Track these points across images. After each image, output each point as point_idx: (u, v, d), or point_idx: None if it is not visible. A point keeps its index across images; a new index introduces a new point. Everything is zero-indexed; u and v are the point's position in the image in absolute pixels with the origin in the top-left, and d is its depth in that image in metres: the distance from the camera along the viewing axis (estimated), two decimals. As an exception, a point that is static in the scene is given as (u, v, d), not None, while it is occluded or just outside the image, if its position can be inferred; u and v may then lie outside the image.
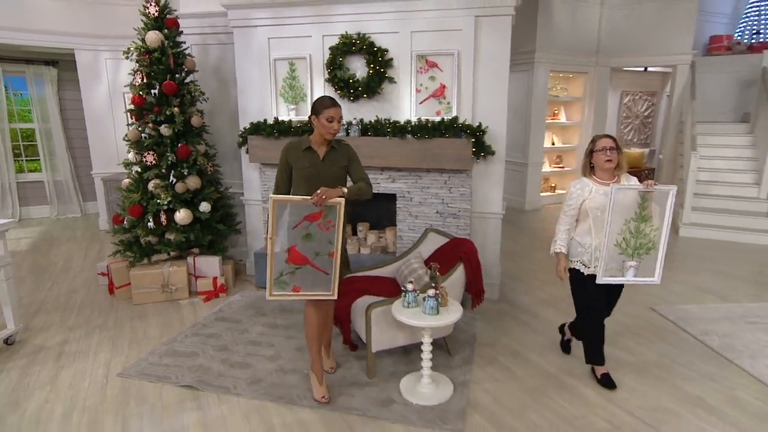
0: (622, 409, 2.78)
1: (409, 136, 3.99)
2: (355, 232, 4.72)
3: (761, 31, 9.27)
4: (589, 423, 2.66)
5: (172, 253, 4.69)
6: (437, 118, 3.97)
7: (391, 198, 4.40)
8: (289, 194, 2.76)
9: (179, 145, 4.40)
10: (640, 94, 10.22)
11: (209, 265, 4.54)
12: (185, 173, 4.45)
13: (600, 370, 3.04)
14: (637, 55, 8.19)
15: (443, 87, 4.02)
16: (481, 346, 3.53)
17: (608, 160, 2.75)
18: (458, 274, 3.25)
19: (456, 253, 3.36)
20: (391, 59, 4.08)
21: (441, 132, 3.90)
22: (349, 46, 4.11)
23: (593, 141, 2.86)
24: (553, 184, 8.90)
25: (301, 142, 2.79)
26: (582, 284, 2.94)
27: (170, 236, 4.45)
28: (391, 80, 4.12)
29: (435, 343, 3.01)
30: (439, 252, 3.53)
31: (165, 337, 3.71)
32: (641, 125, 10.48)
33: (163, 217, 4.38)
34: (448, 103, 4.03)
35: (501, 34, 3.87)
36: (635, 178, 2.86)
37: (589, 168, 2.91)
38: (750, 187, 6.66)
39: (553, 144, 8.73)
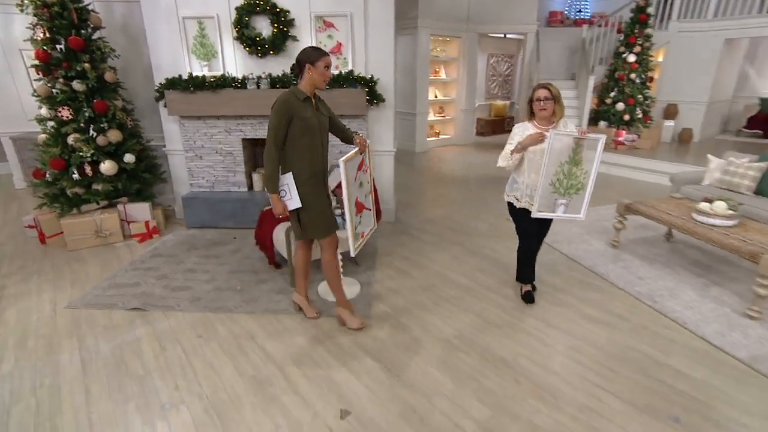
0: (483, 286, 3.33)
1: (313, 88, 4.04)
2: (272, 175, 4.75)
3: (582, 9, 10.25)
4: (463, 301, 3.16)
5: (101, 203, 4.39)
6: (336, 72, 4.05)
7: (301, 143, 4.47)
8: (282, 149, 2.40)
9: (95, 100, 4.04)
10: (502, 56, 10.89)
11: (140, 211, 4.34)
12: (105, 127, 4.12)
13: (523, 288, 3.14)
14: (497, 24, 8.68)
15: (340, 44, 4.07)
16: (382, 256, 3.89)
17: (542, 109, 2.65)
18: (359, 199, 3.50)
19: (357, 183, 3.59)
20: (293, 19, 4.01)
21: (340, 83, 4.00)
22: (253, 6, 3.95)
23: (533, 90, 2.71)
24: (437, 131, 9.41)
25: (294, 93, 2.38)
26: (515, 215, 2.94)
27: (98, 186, 4.16)
28: (294, 38, 4.07)
29: (345, 255, 3.28)
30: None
31: (106, 274, 3.60)
32: (503, 82, 11.26)
33: (88, 169, 4.07)
34: (345, 58, 4.11)
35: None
36: (573, 124, 2.76)
37: (530, 113, 2.77)
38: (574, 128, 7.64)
39: (436, 97, 9.14)
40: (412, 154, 8.41)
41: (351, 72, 4.03)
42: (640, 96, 7.47)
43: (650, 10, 7.28)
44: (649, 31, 7.36)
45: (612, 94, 7.62)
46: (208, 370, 2.43)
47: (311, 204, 2.54)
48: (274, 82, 4.08)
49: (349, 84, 4.01)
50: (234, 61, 4.19)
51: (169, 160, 4.64)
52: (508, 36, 10.22)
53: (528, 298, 3.09)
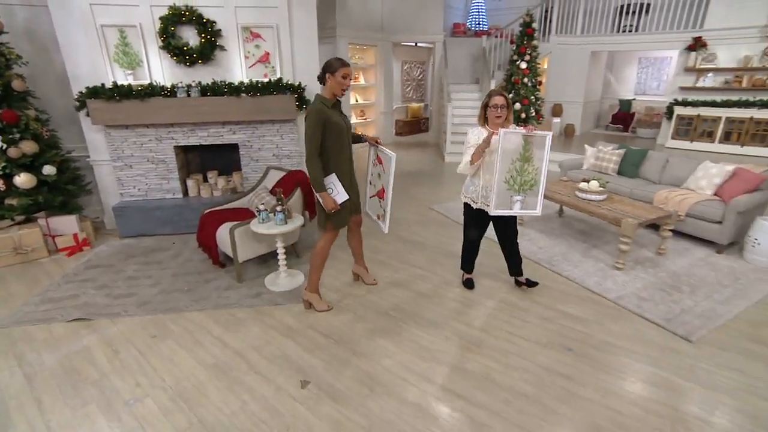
0: (413, 265, 3.66)
1: (243, 94, 4.09)
2: (206, 179, 4.69)
3: (480, 22, 11.22)
4: (397, 280, 3.46)
5: (17, 218, 4.02)
6: (265, 80, 4.13)
7: (234, 147, 4.48)
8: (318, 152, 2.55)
9: (2, 110, 3.70)
10: (414, 62, 11.48)
11: (66, 224, 4.05)
12: (17, 138, 3.79)
13: (465, 276, 3.32)
14: (409, 33, 9.19)
15: (267, 54, 4.17)
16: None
17: (498, 117, 2.68)
18: (297, 195, 3.66)
19: (293, 180, 3.74)
20: (220, 30, 4.02)
21: (270, 90, 4.10)
22: (179, 16, 3.90)
23: (489, 96, 2.73)
24: (360, 133, 9.70)
25: (322, 101, 2.53)
26: (470, 215, 3.01)
27: (12, 201, 3.82)
28: (222, 48, 4.09)
29: (289, 250, 3.41)
30: (280, 182, 3.85)
31: (35, 290, 3.35)
32: (417, 86, 11.87)
33: (0, 183, 3.72)
34: (273, 67, 4.21)
35: (308, 11, 4.15)
36: (519, 127, 2.71)
37: (484, 118, 2.81)
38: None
39: (357, 101, 9.43)
40: (340, 156, 8.61)
41: (280, 80, 4.15)
42: (532, 97, 8.41)
43: (535, 25, 8.23)
44: (535, 42, 8.31)
45: (510, 95, 8.48)
46: (168, 365, 2.46)
47: None
48: (205, 90, 4.05)
49: (279, 91, 4.12)
50: (161, 70, 4.08)
51: (95, 171, 4.37)
52: (419, 44, 10.82)
53: (468, 284, 3.26)
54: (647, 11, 8.36)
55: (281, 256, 3.30)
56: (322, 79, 2.58)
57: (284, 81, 4.17)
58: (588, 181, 4.06)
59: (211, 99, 4.06)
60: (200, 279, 3.44)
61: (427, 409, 2.13)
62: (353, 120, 9.34)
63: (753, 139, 7.23)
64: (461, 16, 11.28)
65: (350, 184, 2.81)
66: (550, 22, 9.14)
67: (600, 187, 3.96)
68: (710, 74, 7.84)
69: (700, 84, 7.92)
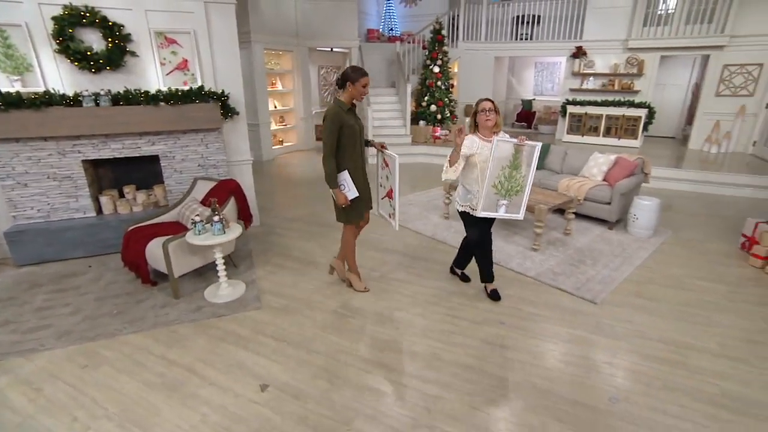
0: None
1: (162, 103, 3.92)
2: (122, 195, 4.38)
3: (393, 28, 11.77)
4: (337, 278, 3.59)
5: None
6: (186, 88, 4.01)
7: (154, 159, 4.26)
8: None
9: None
10: (331, 67, 11.66)
11: (-52, 256, 3.53)
12: None
13: (490, 287, 3.26)
14: (324, 39, 9.34)
15: (186, 61, 4.04)
16: (257, 255, 4.05)
17: (488, 120, 2.79)
18: (231, 204, 3.62)
19: (226, 189, 3.69)
20: (130, 34, 3.81)
21: (191, 99, 3.98)
22: (77, 18, 3.62)
23: (477, 104, 2.84)
24: (280, 139, 9.60)
25: (340, 105, 2.80)
26: (475, 223, 3.02)
27: None
28: (134, 54, 3.87)
29: (227, 260, 3.37)
30: (211, 192, 3.78)
31: None
32: (335, 90, 12.07)
33: None
34: (193, 74, 4.10)
35: (227, 17, 4.11)
36: (507, 135, 2.78)
37: (474, 127, 2.91)
38: (401, 127, 8.87)
39: (276, 107, 9.33)
40: (261, 163, 8.46)
41: (201, 87, 4.05)
42: (446, 99, 9.06)
43: (444, 32, 8.90)
44: (445, 48, 8.98)
45: (426, 98, 9.05)
46: (108, 392, 2.33)
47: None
48: (117, 99, 3.80)
49: (201, 99, 4.02)
50: (59, 76, 3.75)
51: (-19, 193, 3.85)
52: (334, 49, 11.02)
53: (494, 295, 3.23)
54: (539, 22, 9.50)
55: (221, 267, 3.26)
56: (342, 85, 2.82)
57: (206, 89, 4.08)
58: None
59: (126, 108, 3.82)
60: (130, 300, 3.25)
61: (385, 392, 2.31)
62: (273, 126, 9.23)
63: (626, 133, 8.61)
64: (375, 21, 11.71)
65: (364, 183, 3.04)
66: (458, 29, 9.93)
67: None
68: (591, 78, 9.16)
69: (584, 86, 9.21)
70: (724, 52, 7.83)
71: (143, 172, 4.41)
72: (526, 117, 11.39)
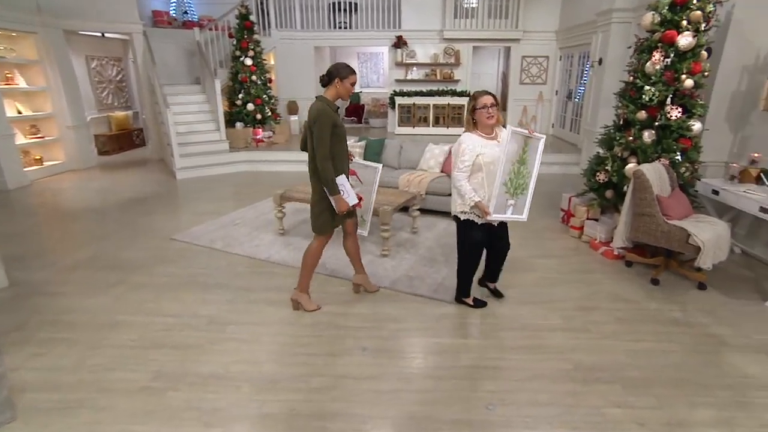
0: (167, 314, 3.22)
1: None
2: None
3: (188, 11, 10.85)
4: (147, 339, 2.96)
5: None
6: None
7: None
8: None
9: None
10: (106, 59, 10.05)
11: None
12: None
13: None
14: (85, 19, 7.88)
15: None
16: (9, 334, 3.05)
17: (489, 117, 2.79)
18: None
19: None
20: None
21: None
22: None
23: (474, 98, 2.84)
24: (38, 157, 7.69)
25: (327, 103, 2.82)
26: (474, 230, 3.00)
27: None
28: None
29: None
30: None
31: None
32: (117, 89, 10.44)
33: None
34: None
35: None
36: (506, 129, 2.86)
37: (473, 124, 2.89)
38: (214, 132, 8.16)
39: (20, 113, 7.47)
40: (6, 192, 6.64)
41: None
42: (265, 96, 8.72)
43: (252, 17, 8.52)
44: (256, 36, 8.62)
45: (240, 95, 8.53)
46: None
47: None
48: None
49: None
50: None
51: None
52: (107, 35, 9.52)
53: (479, 303, 3.31)
54: (356, 10, 9.96)
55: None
56: (327, 81, 2.86)
57: None
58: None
59: None
60: None
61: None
62: (21, 141, 7.40)
63: (453, 121, 9.74)
64: (162, 2, 10.55)
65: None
66: (269, 15, 9.66)
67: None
68: (415, 68, 10.06)
69: (409, 77, 10.05)
70: (520, 45, 9.56)
71: None
72: (355, 111, 11.85)
